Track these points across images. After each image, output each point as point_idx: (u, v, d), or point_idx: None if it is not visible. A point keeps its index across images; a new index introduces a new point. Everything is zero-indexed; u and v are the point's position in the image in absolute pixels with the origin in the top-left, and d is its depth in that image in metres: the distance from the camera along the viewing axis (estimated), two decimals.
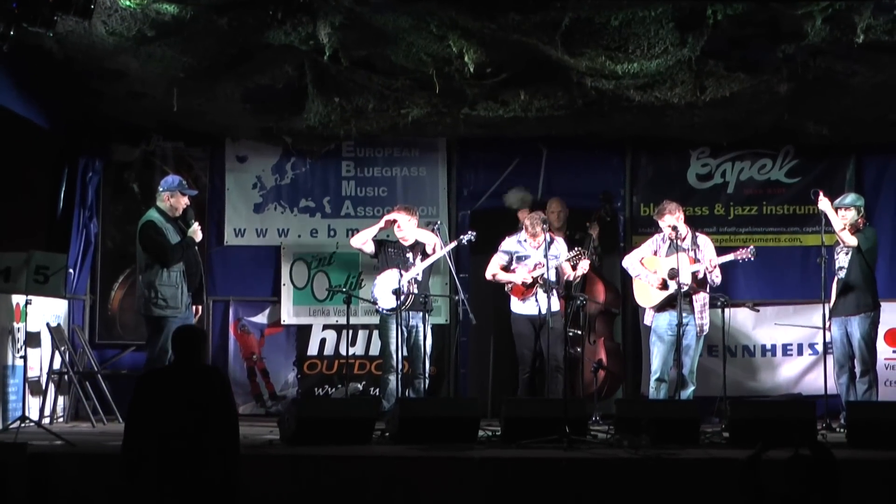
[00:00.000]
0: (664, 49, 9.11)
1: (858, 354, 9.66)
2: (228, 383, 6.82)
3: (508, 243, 10.35)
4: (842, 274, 9.78)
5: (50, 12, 8.18)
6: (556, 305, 9.99)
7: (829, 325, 9.79)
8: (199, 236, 9.76)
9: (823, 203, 9.68)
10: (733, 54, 9.58)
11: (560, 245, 10.22)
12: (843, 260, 9.79)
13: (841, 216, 9.77)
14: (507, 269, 10.28)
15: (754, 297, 11.21)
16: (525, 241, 10.24)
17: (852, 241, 9.63)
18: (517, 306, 10.24)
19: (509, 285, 10.23)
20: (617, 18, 8.82)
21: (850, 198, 9.91)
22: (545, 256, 9.65)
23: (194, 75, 9.89)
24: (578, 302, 10.17)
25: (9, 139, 10.43)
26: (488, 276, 10.36)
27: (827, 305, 9.72)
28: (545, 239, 9.71)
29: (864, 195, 10.25)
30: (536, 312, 10.04)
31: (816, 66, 9.63)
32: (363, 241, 10.39)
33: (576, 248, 10.16)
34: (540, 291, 9.97)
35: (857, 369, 9.67)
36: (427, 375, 10.30)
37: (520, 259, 10.26)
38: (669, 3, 8.72)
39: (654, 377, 9.94)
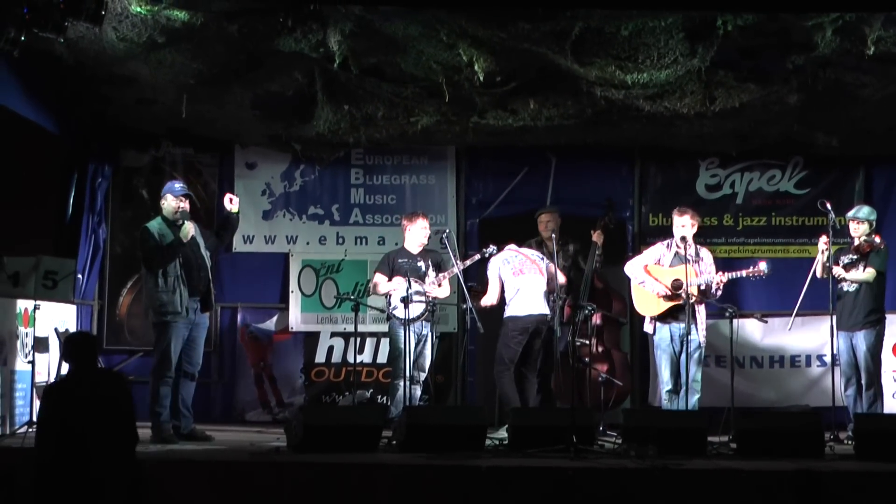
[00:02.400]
0: (674, 59, 9.12)
1: (864, 367, 9.64)
2: (128, 388, 6.94)
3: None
4: (846, 286, 9.75)
5: (61, 18, 8.21)
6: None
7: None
8: (188, 236, 9.56)
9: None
10: (743, 65, 9.59)
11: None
12: (850, 273, 9.76)
13: (853, 229, 9.78)
14: None
15: (762, 307, 11.18)
16: None
17: (869, 275, 9.65)
18: None
19: None
20: (627, 28, 8.83)
21: (864, 211, 9.89)
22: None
23: (204, 82, 9.90)
24: (586, 311, 10.15)
25: (19, 144, 10.46)
26: None
27: (832, 317, 9.72)
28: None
29: (873, 207, 10.23)
30: None
31: (826, 78, 9.63)
32: (383, 290, 10.35)
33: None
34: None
35: (863, 381, 9.66)
36: (424, 382, 10.36)
37: None
38: (679, 14, 8.71)
39: (665, 389, 9.94)
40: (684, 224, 9.90)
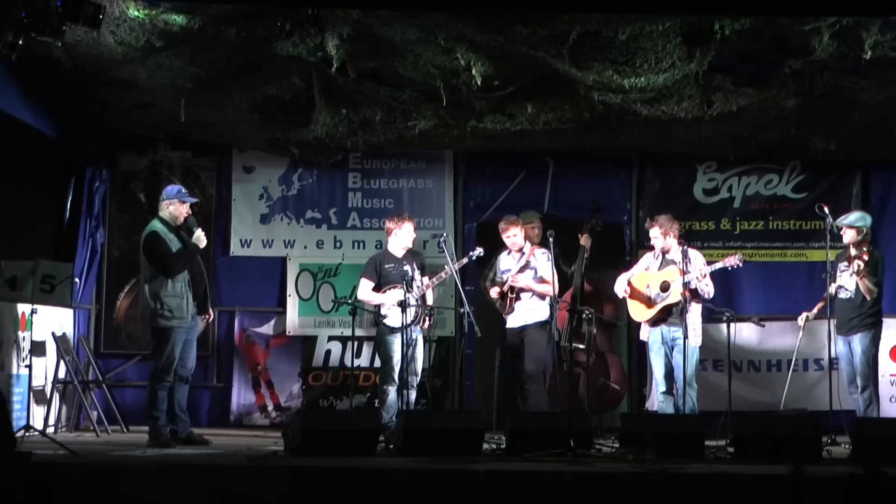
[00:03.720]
0: (671, 63, 9.12)
1: (860, 370, 9.67)
2: (2, 399, 7.00)
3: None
4: (843, 294, 9.76)
5: (59, 22, 8.21)
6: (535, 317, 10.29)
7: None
8: (203, 242, 9.70)
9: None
10: (741, 69, 9.59)
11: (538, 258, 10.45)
12: (846, 280, 9.75)
13: (843, 235, 9.78)
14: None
15: (760, 312, 11.20)
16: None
17: (872, 292, 9.66)
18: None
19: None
20: (624, 33, 8.83)
21: (850, 218, 9.86)
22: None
23: (202, 86, 9.90)
24: (584, 316, 10.15)
25: (16, 148, 10.45)
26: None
27: (829, 321, 9.73)
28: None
29: (870, 211, 10.25)
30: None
31: (824, 82, 9.63)
32: (374, 301, 10.33)
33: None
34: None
35: (859, 384, 9.68)
36: (421, 386, 10.37)
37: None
38: (677, 18, 8.72)
39: (659, 391, 9.99)
40: (655, 236, 10.03)
